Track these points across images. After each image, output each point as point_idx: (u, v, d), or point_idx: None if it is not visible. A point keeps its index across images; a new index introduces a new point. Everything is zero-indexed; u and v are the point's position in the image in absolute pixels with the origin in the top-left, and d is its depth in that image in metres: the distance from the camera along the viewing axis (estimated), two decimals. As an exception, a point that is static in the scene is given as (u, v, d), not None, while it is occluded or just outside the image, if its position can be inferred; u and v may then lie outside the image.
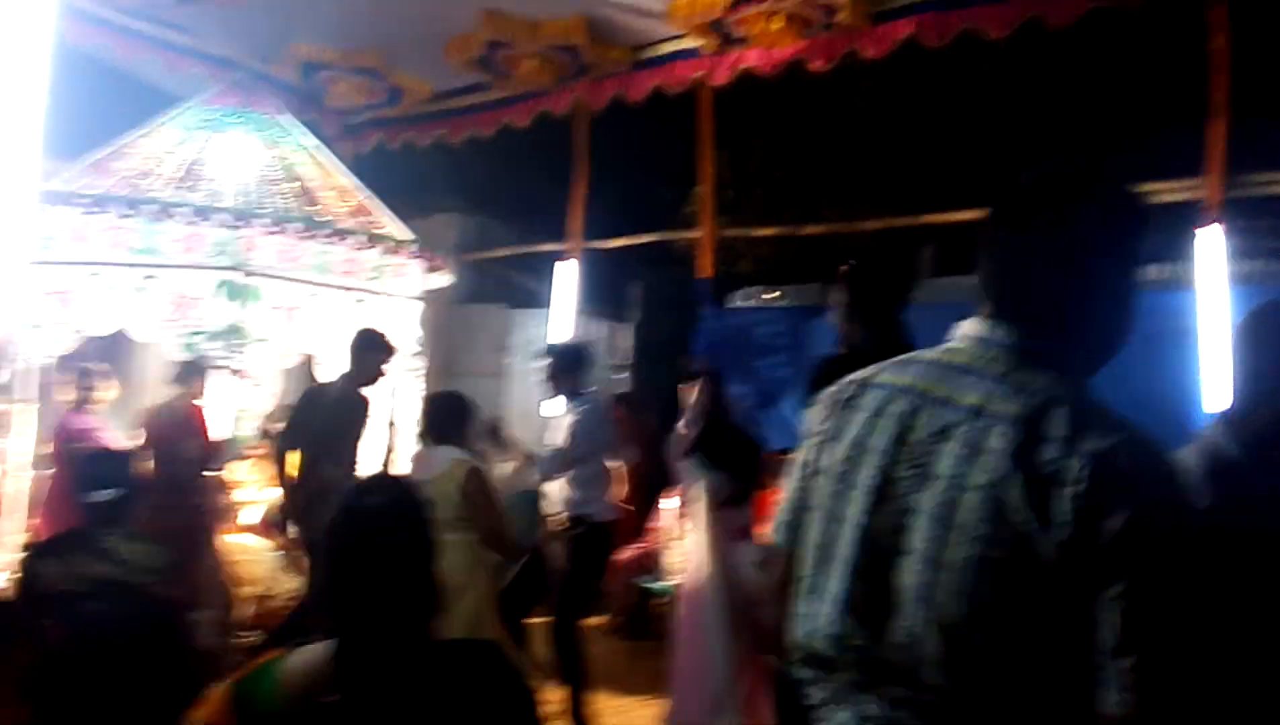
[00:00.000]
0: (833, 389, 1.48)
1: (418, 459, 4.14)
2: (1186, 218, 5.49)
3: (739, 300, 8.38)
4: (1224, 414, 1.89)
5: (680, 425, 4.27)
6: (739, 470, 4.31)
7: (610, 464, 5.36)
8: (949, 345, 1.40)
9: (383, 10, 6.12)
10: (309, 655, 1.53)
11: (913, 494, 1.28)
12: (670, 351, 7.97)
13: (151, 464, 4.81)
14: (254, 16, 6.16)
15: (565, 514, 4.61)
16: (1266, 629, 1.61)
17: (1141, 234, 1.35)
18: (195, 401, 4.82)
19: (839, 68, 6.39)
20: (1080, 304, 1.32)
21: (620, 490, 6.85)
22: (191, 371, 4.71)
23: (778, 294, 8.43)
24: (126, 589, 2.85)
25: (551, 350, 4.75)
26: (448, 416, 4.14)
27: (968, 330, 1.38)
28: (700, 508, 4.15)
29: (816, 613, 1.37)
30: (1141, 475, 1.18)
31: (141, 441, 4.88)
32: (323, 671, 1.48)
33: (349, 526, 1.51)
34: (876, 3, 5.66)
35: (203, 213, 4.20)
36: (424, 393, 4.55)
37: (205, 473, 5.12)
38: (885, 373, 1.42)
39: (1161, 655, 1.15)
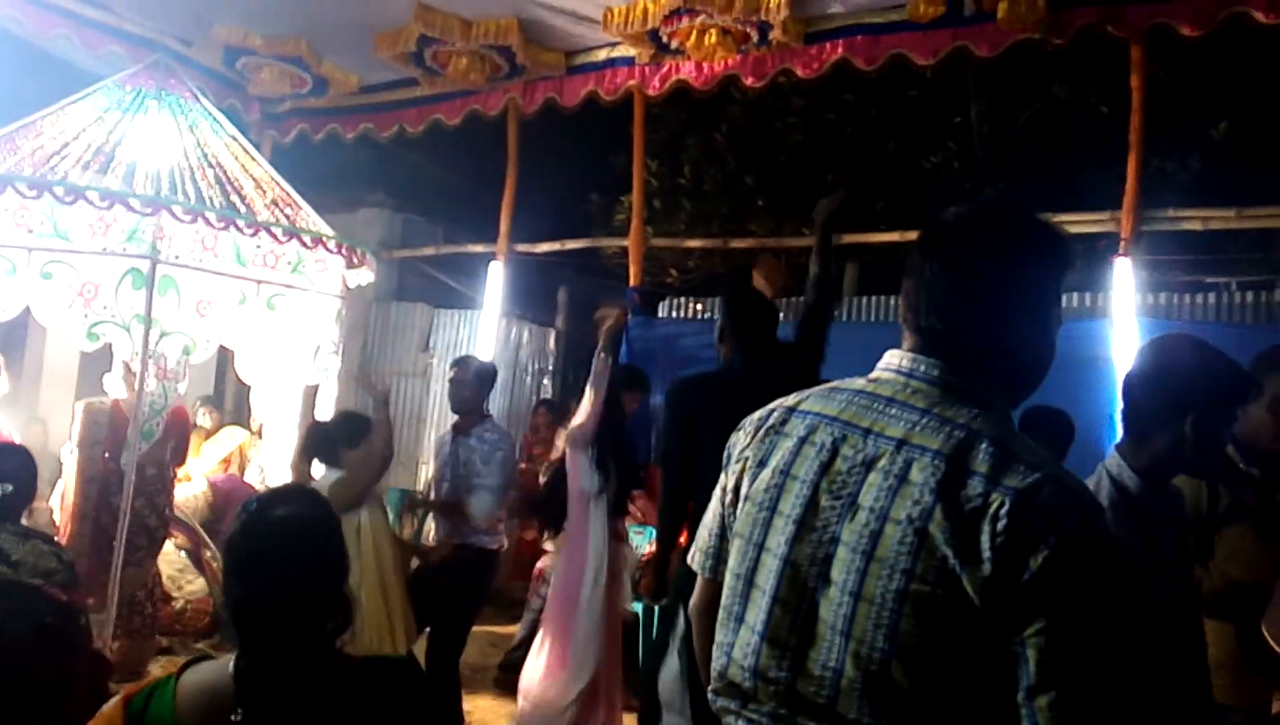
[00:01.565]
0: (758, 415, 1.47)
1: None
2: (1103, 249, 5.69)
3: (665, 310, 8.39)
4: (1118, 445, 1.95)
5: (579, 419, 4.23)
6: (625, 475, 4.43)
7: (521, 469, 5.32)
8: (874, 376, 1.40)
9: (311, -2, 5.99)
10: (207, 672, 1.46)
11: (836, 524, 1.28)
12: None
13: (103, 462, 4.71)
14: (176, -5, 5.98)
15: (451, 540, 4.45)
16: (1167, 657, 1.66)
17: (1064, 269, 1.38)
18: (121, 399, 4.67)
19: (771, 85, 6.47)
20: (1004, 337, 1.34)
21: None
22: (122, 369, 4.57)
23: (701, 307, 8.46)
24: (16, 589, 2.70)
25: (464, 364, 4.68)
26: (320, 443, 4.18)
27: (891, 362, 1.38)
28: (589, 500, 4.23)
29: (735, 642, 1.35)
30: (1062, 512, 1.18)
31: (101, 440, 4.74)
32: (223, 689, 1.42)
33: (255, 537, 1.45)
34: (809, 23, 5.73)
35: (114, 197, 4.01)
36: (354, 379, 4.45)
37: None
38: (811, 400, 1.41)
39: (1079, 693, 1.15)
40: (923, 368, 1.34)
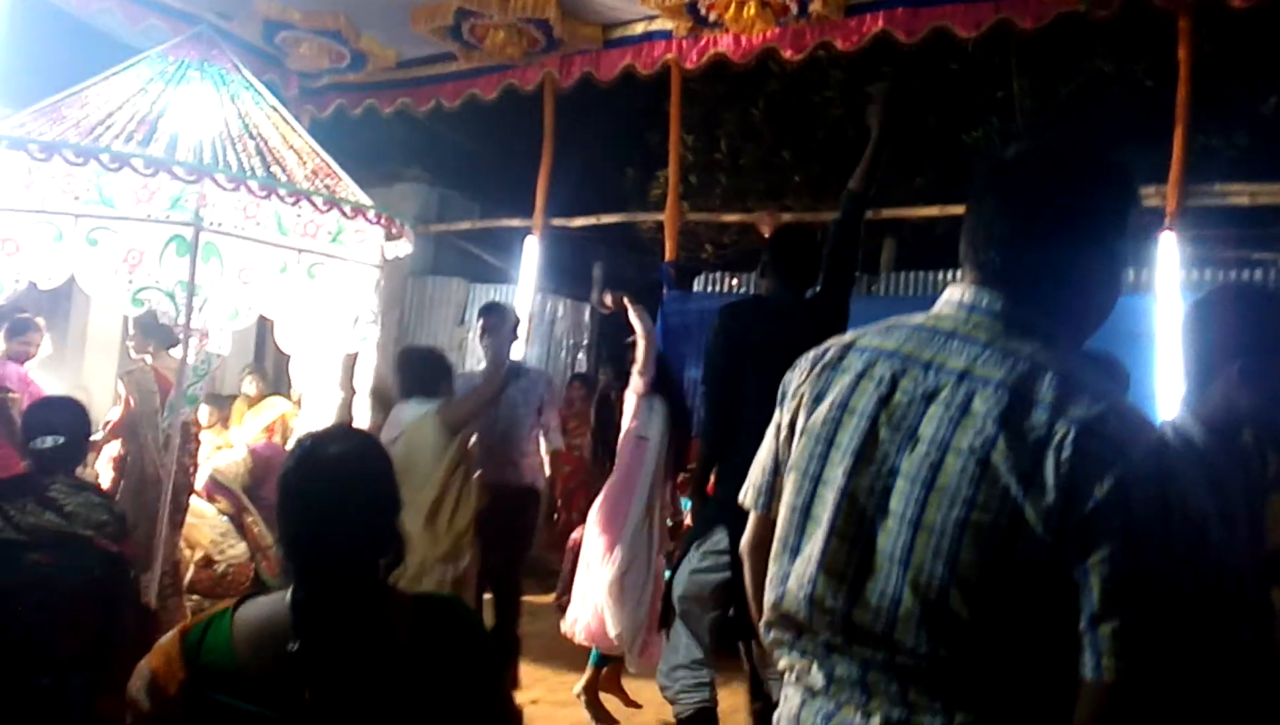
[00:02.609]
0: (814, 352, 1.47)
1: (390, 419, 4.08)
2: (1148, 224, 5.60)
3: (701, 285, 8.37)
4: (1183, 399, 1.93)
5: (639, 366, 4.48)
6: (680, 424, 4.63)
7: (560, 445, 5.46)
8: (934, 311, 1.39)
9: (350, -29, 6.02)
10: (263, 605, 1.49)
11: (896, 456, 1.28)
12: (631, 332, 7.96)
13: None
14: (217, -30, 6.03)
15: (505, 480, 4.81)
16: (1229, 609, 1.65)
17: (1128, 205, 1.36)
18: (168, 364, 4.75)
19: (809, 58, 6.41)
20: (1067, 273, 1.33)
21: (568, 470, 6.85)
22: (164, 334, 4.65)
23: (737, 282, 8.44)
24: (68, 540, 2.77)
25: (500, 313, 4.80)
26: (419, 372, 4.19)
27: (953, 297, 1.38)
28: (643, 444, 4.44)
29: (790, 573, 1.36)
30: (1128, 442, 1.19)
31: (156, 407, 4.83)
32: (279, 621, 1.45)
33: (307, 474, 1.48)
34: (850, -5, 5.68)
35: (158, 164, 4.07)
36: (393, 352, 4.53)
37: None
38: (869, 336, 1.41)
39: (1144, 621, 1.15)
40: (985, 301, 1.33)
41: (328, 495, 1.46)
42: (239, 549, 5.68)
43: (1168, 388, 4.61)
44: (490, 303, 4.98)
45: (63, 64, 5.53)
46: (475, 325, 4.98)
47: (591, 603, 4.43)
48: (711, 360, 3.58)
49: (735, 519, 3.11)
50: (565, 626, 4.60)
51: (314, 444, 1.52)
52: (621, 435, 4.57)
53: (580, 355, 9.01)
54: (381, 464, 1.53)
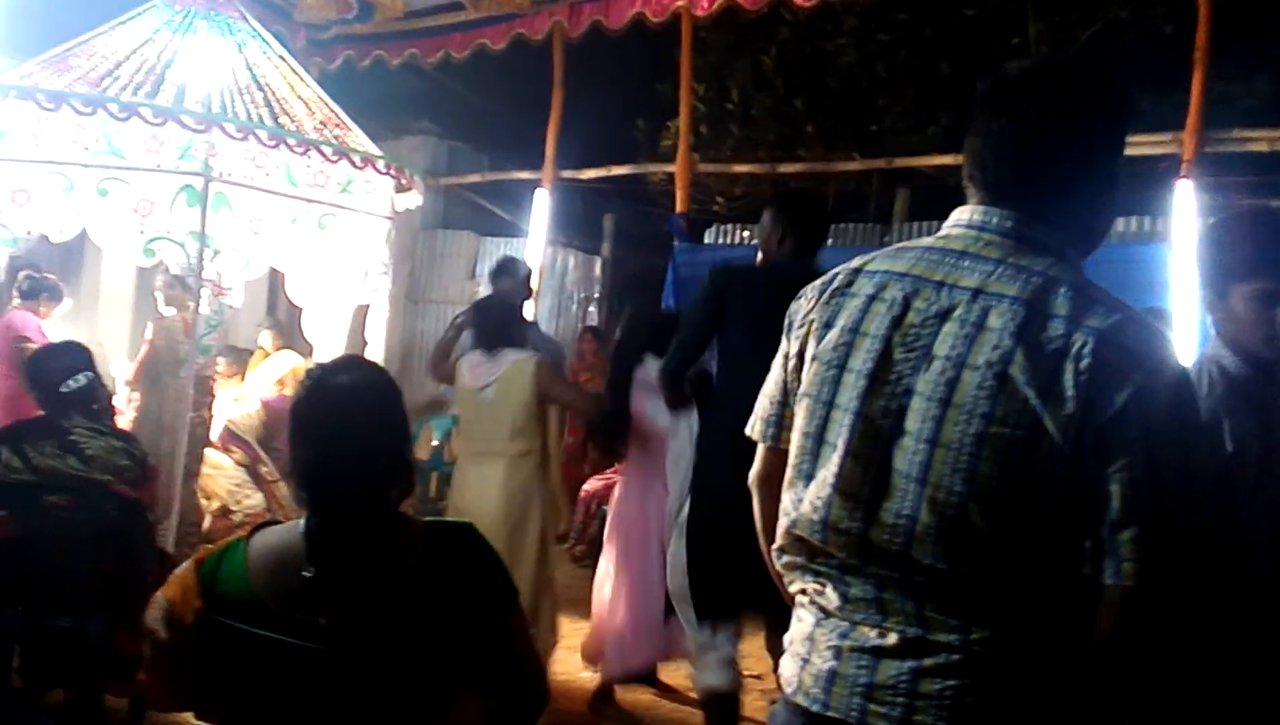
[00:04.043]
0: (821, 280, 1.46)
1: (470, 364, 3.87)
2: (1164, 171, 5.53)
3: (712, 237, 8.33)
4: (1214, 328, 1.91)
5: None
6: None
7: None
8: (943, 232, 1.39)
9: (358, -81, 5.95)
10: (277, 534, 1.51)
11: (910, 376, 1.28)
12: (642, 285, 7.95)
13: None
14: (223, -81, 5.95)
15: None
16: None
17: (1127, 119, 1.38)
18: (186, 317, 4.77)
19: (822, 4, 6.32)
20: (1074, 188, 1.33)
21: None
22: (181, 287, 4.65)
23: (749, 234, 8.39)
24: (85, 485, 2.80)
25: (514, 270, 4.69)
26: (501, 322, 3.96)
27: (961, 217, 1.38)
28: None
29: (804, 497, 1.36)
30: (1145, 351, 1.20)
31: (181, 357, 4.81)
32: (293, 549, 1.46)
33: (318, 402, 1.48)
34: (864, -61, 5.58)
35: (167, 113, 4.05)
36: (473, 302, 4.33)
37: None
38: (879, 260, 1.41)
39: (1163, 526, 1.17)
40: (994, 220, 1.33)
41: (338, 423, 1.47)
42: (255, 499, 5.74)
43: (1185, 334, 4.59)
44: (501, 262, 4.84)
45: (67, 13, 5.49)
46: (487, 284, 4.83)
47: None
48: (696, 326, 3.39)
49: (707, 485, 3.06)
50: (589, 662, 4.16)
51: (324, 373, 1.53)
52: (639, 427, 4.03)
53: (591, 308, 8.99)
54: (391, 392, 1.54)
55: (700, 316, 3.29)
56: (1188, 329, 4.72)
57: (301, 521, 1.49)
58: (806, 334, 1.43)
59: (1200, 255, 1.91)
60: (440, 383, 4.53)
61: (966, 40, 8.46)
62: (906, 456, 1.26)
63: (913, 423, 1.26)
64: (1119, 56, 7.79)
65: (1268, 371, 1.82)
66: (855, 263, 1.43)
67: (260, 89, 4.71)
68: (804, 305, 1.46)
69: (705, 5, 6.30)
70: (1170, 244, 5.11)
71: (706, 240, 8.15)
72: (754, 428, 1.54)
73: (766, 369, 1.54)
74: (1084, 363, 1.18)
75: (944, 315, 1.28)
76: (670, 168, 7.20)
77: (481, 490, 3.77)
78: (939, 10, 8.40)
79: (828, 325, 1.39)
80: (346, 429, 1.46)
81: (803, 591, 1.40)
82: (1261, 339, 1.79)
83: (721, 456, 2.86)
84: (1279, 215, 1.92)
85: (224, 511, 5.58)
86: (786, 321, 1.49)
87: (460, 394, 3.95)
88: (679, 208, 6.90)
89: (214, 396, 5.23)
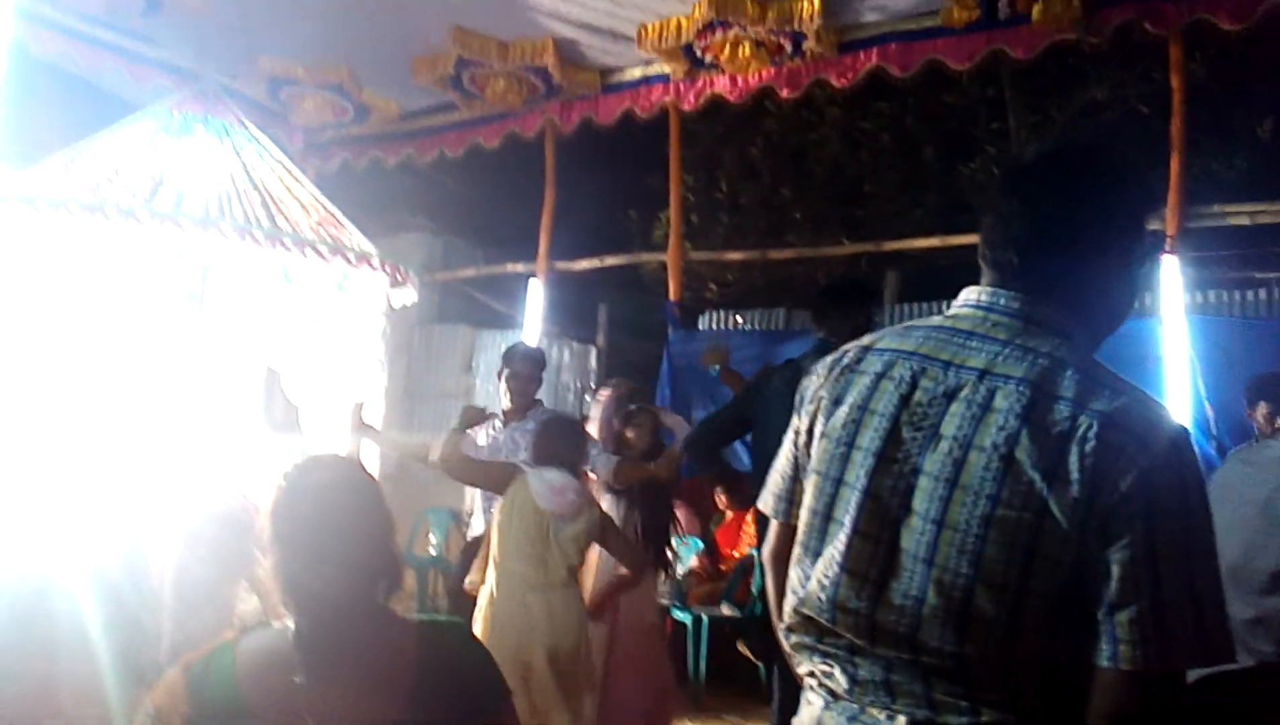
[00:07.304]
0: (831, 357, 1.47)
1: (550, 485, 3.55)
2: (1153, 247, 5.60)
3: (706, 323, 8.40)
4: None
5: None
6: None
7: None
8: (951, 312, 1.41)
9: (351, 27, 6.12)
10: (265, 637, 1.48)
11: (918, 456, 1.28)
12: (638, 374, 7.97)
13: None
14: (221, 29, 6.14)
15: None
16: None
17: (1146, 207, 1.39)
18: None
19: (806, 96, 6.48)
20: (1083, 274, 1.34)
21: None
22: None
23: (741, 320, 8.46)
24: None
25: (527, 359, 4.69)
26: (576, 443, 3.78)
27: (970, 297, 1.39)
28: None
29: (812, 576, 1.35)
30: (1149, 435, 1.19)
31: None
32: (282, 652, 1.44)
33: (294, 503, 1.47)
34: (843, 33, 5.74)
35: (165, 217, 4.13)
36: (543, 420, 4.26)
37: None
38: (887, 338, 1.42)
39: (1161, 609, 1.15)
40: (1002, 301, 1.34)
41: (315, 521, 1.46)
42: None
43: (1175, 410, 4.59)
44: (518, 348, 4.81)
45: (67, 122, 5.62)
46: (502, 372, 4.75)
47: None
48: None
49: None
50: None
51: (297, 473, 1.52)
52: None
53: (588, 397, 9.00)
54: (367, 486, 1.52)
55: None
56: (1178, 403, 4.74)
57: (290, 623, 1.47)
58: (816, 410, 1.43)
59: None
60: (477, 486, 4.37)
61: (948, 125, 8.67)
62: (914, 536, 1.25)
63: (920, 502, 1.26)
64: (1098, 137, 7.98)
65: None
66: (865, 340, 1.45)
67: (257, 190, 4.80)
68: (814, 382, 1.47)
69: (691, 100, 6.46)
70: (1159, 318, 5.15)
71: (700, 326, 8.21)
72: (765, 503, 1.53)
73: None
74: (1089, 446, 1.18)
75: (951, 395, 1.28)
76: (663, 256, 7.29)
77: (540, 622, 3.46)
78: (919, 98, 8.62)
79: (837, 402, 1.39)
80: (324, 527, 1.45)
81: (811, 674, 1.38)
82: None
83: None
84: None
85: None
86: (797, 398, 1.50)
87: (519, 509, 3.59)
88: (672, 295, 6.96)
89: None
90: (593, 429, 4.41)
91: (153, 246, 4.14)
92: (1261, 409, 4.21)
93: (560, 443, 3.68)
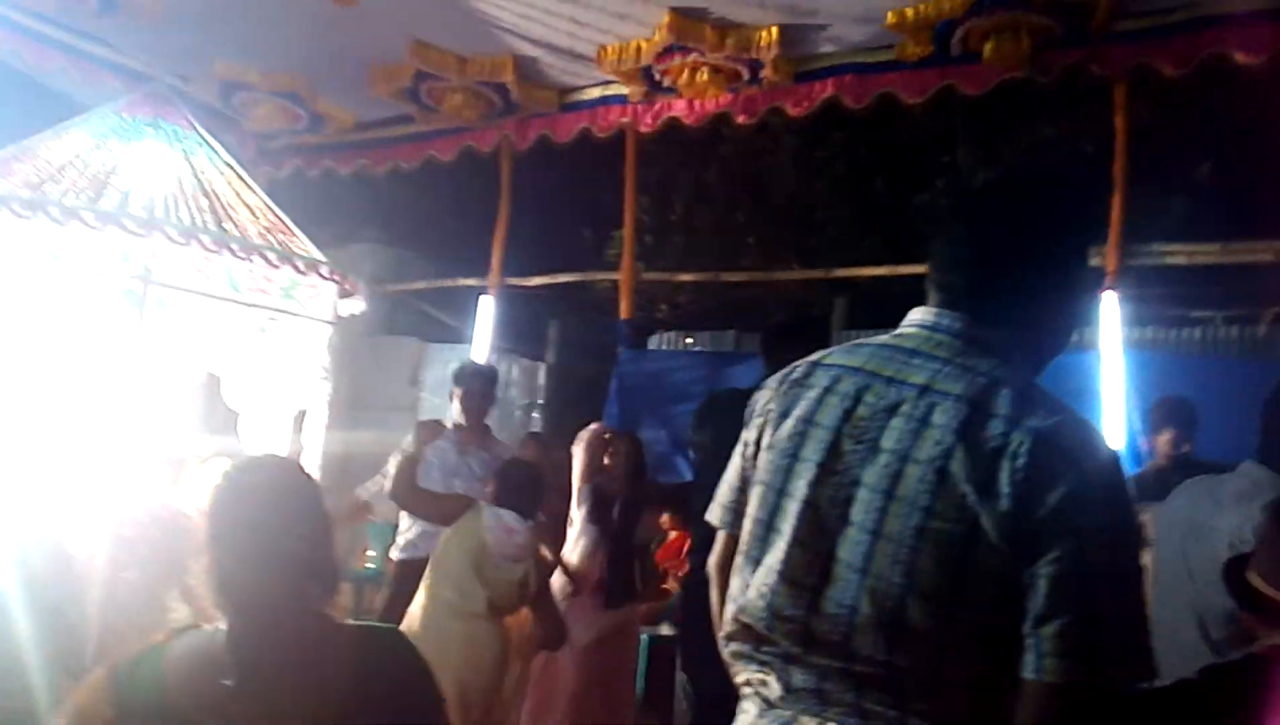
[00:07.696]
0: (781, 373, 1.50)
1: (504, 527, 3.61)
2: (1093, 281, 5.73)
3: (657, 343, 8.42)
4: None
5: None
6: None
7: None
8: (898, 331, 1.44)
9: (308, 35, 6.07)
10: (197, 639, 1.46)
11: (858, 468, 1.31)
12: (586, 392, 7.96)
13: None
14: (176, 32, 6.05)
15: None
16: None
17: (1087, 239, 1.47)
18: None
19: (762, 122, 6.55)
20: (1026, 298, 1.38)
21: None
22: None
23: (692, 341, 8.51)
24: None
25: (480, 376, 4.69)
26: (535, 492, 3.83)
27: (915, 317, 1.43)
28: None
29: (751, 584, 1.37)
30: (1080, 452, 1.23)
31: None
32: (212, 656, 1.41)
33: (230, 503, 1.45)
34: (800, 62, 5.82)
35: (108, 218, 4.04)
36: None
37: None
38: (835, 355, 1.45)
39: (1085, 623, 1.18)
40: (945, 322, 1.38)
41: (251, 522, 1.44)
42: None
43: (1111, 439, 4.70)
44: (469, 367, 4.81)
45: (12, 121, 5.50)
46: (455, 391, 4.75)
47: None
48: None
49: None
50: None
51: (234, 473, 1.50)
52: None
53: (535, 414, 8.97)
54: (305, 488, 1.51)
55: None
56: (1115, 435, 4.84)
57: (222, 626, 1.44)
58: (765, 423, 1.46)
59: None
60: (431, 521, 4.28)
61: (900, 157, 8.82)
62: (850, 546, 1.28)
63: (858, 513, 1.29)
64: (1046, 170, 8.18)
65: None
66: (815, 356, 1.48)
67: (205, 195, 4.72)
68: (764, 395, 1.50)
69: (649, 121, 6.50)
70: (1098, 352, 5.27)
71: (651, 346, 8.23)
72: (713, 514, 1.55)
73: None
74: (1020, 462, 1.21)
75: (892, 410, 1.32)
76: (615, 276, 7.30)
77: (456, 651, 3.46)
78: (873, 131, 8.76)
79: (784, 415, 1.42)
80: (261, 526, 1.43)
81: (747, 683, 1.40)
82: None
83: None
84: None
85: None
86: (748, 411, 1.53)
87: (461, 537, 3.63)
88: (624, 314, 6.97)
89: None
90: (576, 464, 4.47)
91: (94, 247, 4.04)
92: (1165, 435, 4.24)
93: (518, 494, 3.75)
